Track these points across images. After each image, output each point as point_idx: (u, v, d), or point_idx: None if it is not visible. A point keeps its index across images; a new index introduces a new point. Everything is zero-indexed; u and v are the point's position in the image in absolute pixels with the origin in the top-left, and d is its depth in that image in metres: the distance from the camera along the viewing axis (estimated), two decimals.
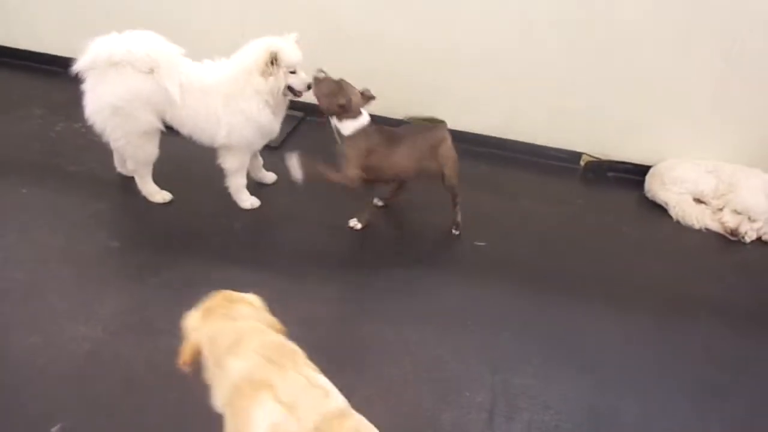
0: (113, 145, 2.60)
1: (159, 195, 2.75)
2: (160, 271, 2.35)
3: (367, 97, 2.55)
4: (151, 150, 2.62)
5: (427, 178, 2.70)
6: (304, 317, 2.10)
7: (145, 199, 2.74)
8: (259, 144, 2.70)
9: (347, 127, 2.53)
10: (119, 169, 2.85)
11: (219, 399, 1.35)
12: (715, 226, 3.09)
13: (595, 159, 3.48)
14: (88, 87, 2.45)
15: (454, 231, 2.79)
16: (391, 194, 2.91)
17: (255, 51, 2.46)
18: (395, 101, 3.47)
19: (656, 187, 3.25)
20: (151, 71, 2.40)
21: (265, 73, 2.45)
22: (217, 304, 1.43)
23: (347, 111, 2.50)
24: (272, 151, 3.08)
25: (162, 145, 2.64)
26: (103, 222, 2.62)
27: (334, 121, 2.55)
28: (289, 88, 2.55)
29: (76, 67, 2.39)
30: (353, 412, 1.28)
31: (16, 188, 2.73)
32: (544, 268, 2.68)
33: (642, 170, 3.40)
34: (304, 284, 2.39)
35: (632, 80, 3.24)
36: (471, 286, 2.52)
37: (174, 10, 3.49)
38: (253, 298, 1.50)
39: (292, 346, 1.38)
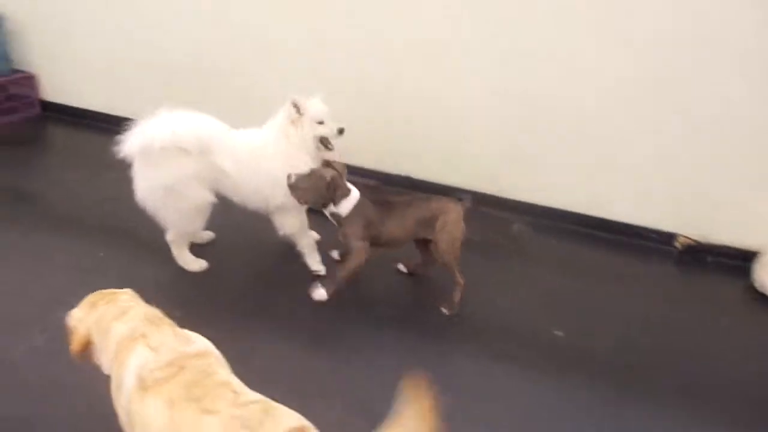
0: (164, 222, 2.62)
1: (196, 264, 2.75)
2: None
3: (338, 168, 2.47)
4: (200, 223, 2.65)
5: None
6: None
7: (210, 269, 2.75)
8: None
9: (344, 207, 2.47)
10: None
11: (106, 363, 1.51)
12: None
13: (692, 241, 3.16)
14: (137, 170, 2.49)
15: (443, 309, 2.58)
16: (417, 266, 2.78)
17: (283, 107, 2.57)
18: (473, 174, 3.37)
19: (767, 278, 2.88)
20: (203, 152, 2.43)
21: (294, 122, 2.52)
22: (99, 297, 1.60)
23: (338, 190, 2.43)
24: None
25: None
26: (165, 289, 2.63)
27: (329, 209, 2.48)
28: (321, 141, 2.58)
29: (123, 153, 2.38)
30: (212, 354, 1.48)
31: (95, 250, 2.82)
32: (626, 366, 2.38)
33: (748, 256, 3.04)
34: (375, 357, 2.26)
35: (732, 155, 2.95)
36: (541, 380, 2.27)
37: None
38: (129, 291, 1.66)
39: (154, 311, 1.60)
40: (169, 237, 2.69)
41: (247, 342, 2.33)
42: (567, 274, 2.94)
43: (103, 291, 1.63)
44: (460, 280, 2.58)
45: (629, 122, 3.05)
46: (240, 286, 2.71)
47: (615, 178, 3.20)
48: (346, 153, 3.57)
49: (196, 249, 2.82)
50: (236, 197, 2.63)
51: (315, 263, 2.76)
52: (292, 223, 2.68)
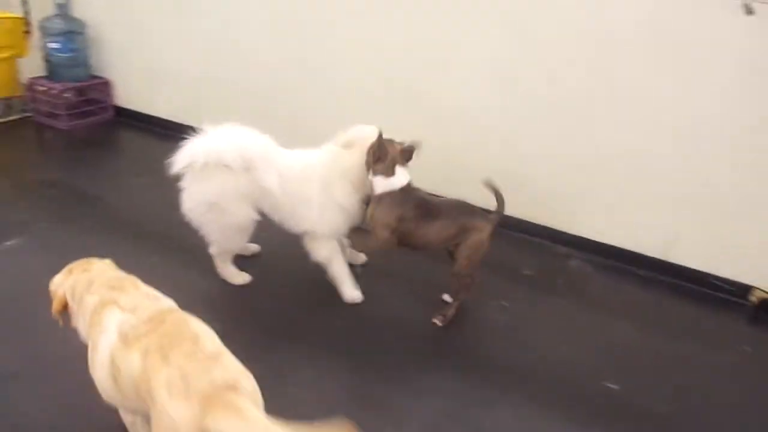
0: (207, 237, 2.61)
1: (239, 277, 2.72)
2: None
3: (407, 153, 2.40)
4: (242, 241, 2.64)
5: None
6: None
7: (253, 283, 2.73)
8: (344, 230, 2.61)
9: (379, 184, 2.39)
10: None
11: (83, 331, 1.68)
12: None
13: None
14: (185, 185, 2.51)
15: (435, 320, 2.53)
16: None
17: (338, 133, 2.54)
18: (530, 203, 3.22)
19: None
20: (247, 169, 2.40)
21: (347, 146, 2.45)
22: (76, 265, 1.79)
23: (381, 162, 2.36)
24: None
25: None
26: (208, 300, 2.62)
27: (369, 174, 2.43)
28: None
29: (174, 169, 2.44)
30: (180, 310, 1.65)
31: (149, 256, 2.85)
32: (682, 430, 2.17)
33: None
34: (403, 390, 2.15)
35: None
36: None
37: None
38: (107, 261, 1.84)
39: (132, 277, 1.77)
40: (213, 251, 2.68)
41: (282, 362, 2.28)
42: (626, 320, 2.73)
43: (83, 259, 1.82)
44: (463, 296, 2.53)
45: (707, 161, 2.82)
46: (281, 303, 2.66)
47: (687, 220, 2.96)
48: None
49: (241, 261, 2.80)
50: (276, 216, 2.59)
51: (346, 292, 2.65)
52: (320, 251, 2.60)
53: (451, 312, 2.54)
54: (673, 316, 2.84)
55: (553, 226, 3.29)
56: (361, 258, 2.91)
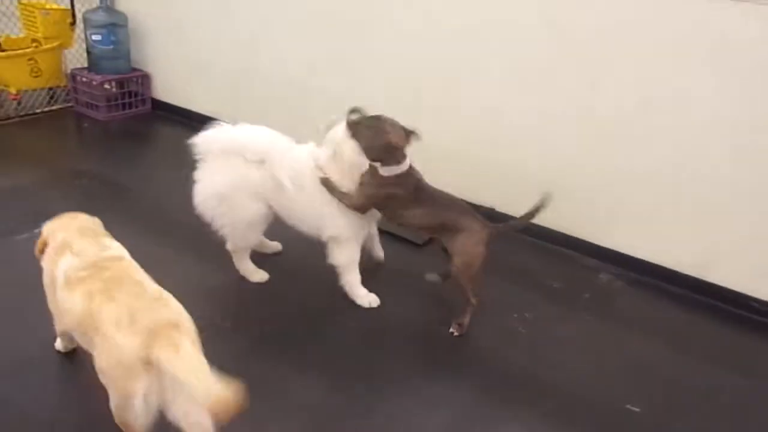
0: (221, 233, 2.59)
1: (257, 275, 2.69)
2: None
3: (409, 136, 2.32)
4: (254, 237, 2.60)
5: None
6: None
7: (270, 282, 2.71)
8: (361, 234, 2.55)
9: (384, 170, 2.33)
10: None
11: (46, 265, 1.88)
12: None
13: None
14: (198, 176, 2.50)
15: (452, 330, 2.46)
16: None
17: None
18: (560, 217, 3.10)
19: None
20: (262, 162, 2.37)
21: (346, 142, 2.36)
22: (65, 215, 1.98)
23: (393, 155, 2.31)
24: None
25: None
26: (220, 296, 2.62)
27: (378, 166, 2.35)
28: None
29: (193, 151, 2.47)
30: (126, 258, 1.83)
31: (166, 247, 2.87)
32: None
33: None
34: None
35: None
36: None
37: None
38: (96, 220, 2.03)
39: (97, 228, 1.97)
40: (229, 246, 2.66)
41: (291, 363, 2.25)
42: (655, 340, 2.59)
43: (74, 212, 2.01)
44: (473, 301, 2.42)
45: (752, 176, 2.65)
46: (295, 306, 2.62)
47: (727, 238, 2.80)
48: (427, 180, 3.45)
49: (262, 259, 2.79)
50: (289, 219, 2.55)
51: (360, 297, 2.59)
52: (339, 257, 2.52)
53: (466, 320, 2.46)
54: (707, 338, 2.68)
55: (584, 237, 3.16)
56: (380, 256, 2.85)
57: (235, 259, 2.69)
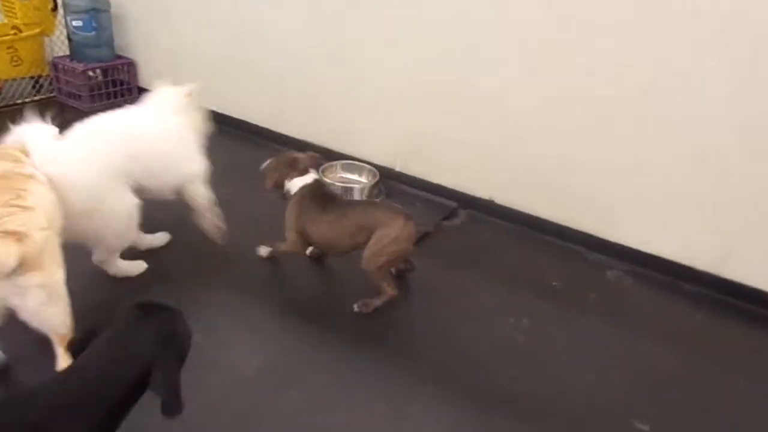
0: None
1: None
2: None
3: (316, 161, 2.50)
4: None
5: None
6: None
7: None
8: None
9: (294, 185, 2.42)
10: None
11: None
12: None
13: None
14: None
15: (355, 306, 2.35)
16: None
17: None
18: (565, 209, 2.88)
19: None
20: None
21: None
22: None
23: (294, 170, 2.42)
24: None
25: None
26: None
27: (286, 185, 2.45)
28: None
29: None
30: (39, 177, 1.92)
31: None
32: None
33: None
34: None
35: None
36: None
37: None
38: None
39: (13, 152, 2.00)
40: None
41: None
42: (667, 344, 2.38)
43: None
44: (390, 291, 2.31)
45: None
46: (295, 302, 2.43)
47: (746, 231, 2.56)
48: (425, 171, 3.26)
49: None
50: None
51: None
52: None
53: (375, 303, 2.35)
54: (725, 341, 2.46)
55: (591, 232, 2.94)
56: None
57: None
